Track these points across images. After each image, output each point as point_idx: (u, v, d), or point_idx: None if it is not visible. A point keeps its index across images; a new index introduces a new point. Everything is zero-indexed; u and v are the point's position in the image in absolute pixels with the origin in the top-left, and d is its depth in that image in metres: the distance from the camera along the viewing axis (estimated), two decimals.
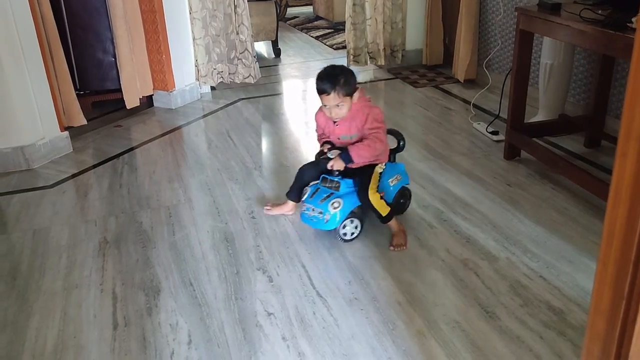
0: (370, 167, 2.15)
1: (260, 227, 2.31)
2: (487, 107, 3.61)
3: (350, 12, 4.24)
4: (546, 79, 3.05)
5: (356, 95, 2.07)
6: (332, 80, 2.00)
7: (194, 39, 3.88)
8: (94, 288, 1.97)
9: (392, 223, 2.16)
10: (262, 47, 5.69)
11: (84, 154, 3.14)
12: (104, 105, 3.73)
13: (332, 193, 2.14)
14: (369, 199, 2.09)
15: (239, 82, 4.16)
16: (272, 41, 5.31)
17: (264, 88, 4.28)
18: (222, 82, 4.14)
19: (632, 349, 0.79)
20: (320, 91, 2.03)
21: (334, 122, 2.13)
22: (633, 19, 1.98)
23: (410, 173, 2.72)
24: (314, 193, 2.19)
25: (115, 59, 3.52)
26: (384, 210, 2.12)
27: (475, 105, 3.62)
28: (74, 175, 2.87)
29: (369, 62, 4.43)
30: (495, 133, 3.13)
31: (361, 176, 2.14)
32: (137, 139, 3.34)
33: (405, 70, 4.53)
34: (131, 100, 3.59)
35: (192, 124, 3.58)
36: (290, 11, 7.60)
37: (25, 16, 2.79)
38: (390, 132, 2.28)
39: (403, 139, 2.32)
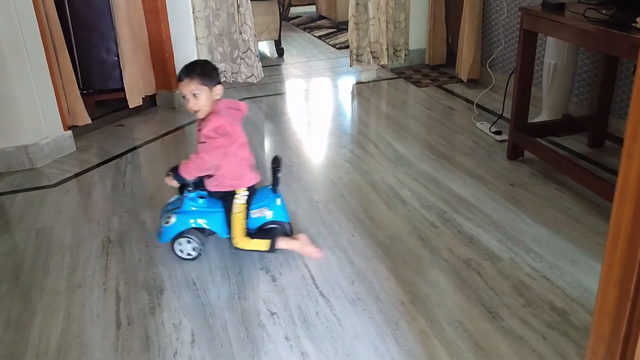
0: (231, 195, 2.00)
1: None
2: (490, 107, 3.60)
3: (353, 11, 4.24)
4: (550, 78, 3.04)
5: (218, 90, 1.93)
6: (188, 67, 1.92)
7: (197, 38, 3.87)
8: (97, 287, 1.98)
9: (286, 245, 2.03)
10: (265, 47, 5.69)
11: (87, 153, 3.14)
12: (107, 105, 3.73)
13: (178, 207, 2.07)
14: (241, 249, 2.02)
15: (241, 82, 4.16)
16: (275, 40, 5.31)
17: (266, 87, 4.28)
18: (225, 81, 4.14)
19: (638, 350, 0.78)
20: (178, 79, 1.92)
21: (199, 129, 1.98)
22: (637, 19, 1.97)
23: (414, 173, 2.73)
24: (171, 202, 2.14)
25: (118, 58, 3.52)
26: (263, 246, 2.00)
27: (478, 105, 3.61)
28: (77, 175, 2.88)
29: (371, 61, 4.42)
30: (498, 133, 3.13)
31: (226, 209, 2.02)
32: (140, 138, 3.34)
33: (408, 70, 4.52)
34: (134, 100, 3.59)
35: (195, 123, 3.57)
36: (293, 10, 7.60)
37: (29, 16, 2.79)
38: (273, 160, 2.06)
39: (279, 169, 2.05)
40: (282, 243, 2.03)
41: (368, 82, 4.37)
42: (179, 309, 1.85)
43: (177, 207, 2.07)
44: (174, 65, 3.76)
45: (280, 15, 5.31)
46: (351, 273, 2.00)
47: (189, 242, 2.06)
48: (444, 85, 4.12)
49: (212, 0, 3.82)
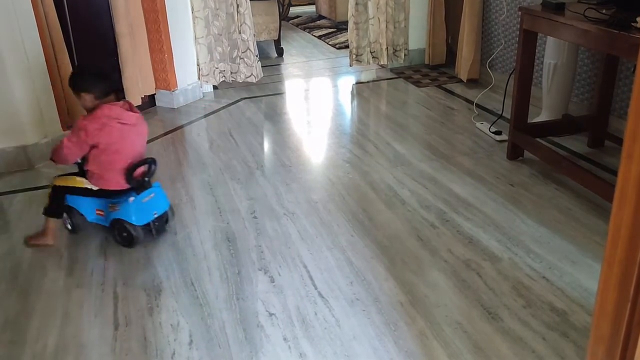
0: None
1: (262, 227, 2.31)
2: (490, 106, 3.60)
3: (353, 11, 4.23)
4: (550, 78, 3.03)
5: (85, 97, 2.14)
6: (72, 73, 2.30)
7: (196, 38, 3.87)
8: (95, 288, 1.97)
9: (49, 224, 2.22)
10: (265, 47, 5.68)
11: None
12: None
13: None
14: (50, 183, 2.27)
15: (241, 82, 4.15)
16: (274, 40, 5.30)
17: (266, 87, 4.28)
18: (224, 81, 4.14)
19: (637, 352, 0.78)
20: None
21: None
22: (637, 19, 1.96)
23: (413, 173, 2.72)
24: None
25: (118, 58, 3.52)
26: (46, 202, 2.23)
27: (478, 105, 3.60)
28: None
29: (371, 61, 4.42)
30: (498, 133, 3.12)
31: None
32: None
33: (408, 69, 4.52)
34: (133, 100, 3.58)
35: (194, 124, 3.57)
36: (293, 10, 7.59)
37: (28, 16, 2.79)
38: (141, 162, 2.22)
39: (131, 176, 2.17)
40: (48, 223, 2.22)
41: (368, 82, 4.36)
42: (177, 310, 1.84)
43: None
44: (174, 65, 3.75)
45: (280, 15, 5.31)
46: (350, 273, 1.99)
47: (66, 217, 2.29)
48: (443, 85, 4.11)
49: (212, 0, 3.82)
